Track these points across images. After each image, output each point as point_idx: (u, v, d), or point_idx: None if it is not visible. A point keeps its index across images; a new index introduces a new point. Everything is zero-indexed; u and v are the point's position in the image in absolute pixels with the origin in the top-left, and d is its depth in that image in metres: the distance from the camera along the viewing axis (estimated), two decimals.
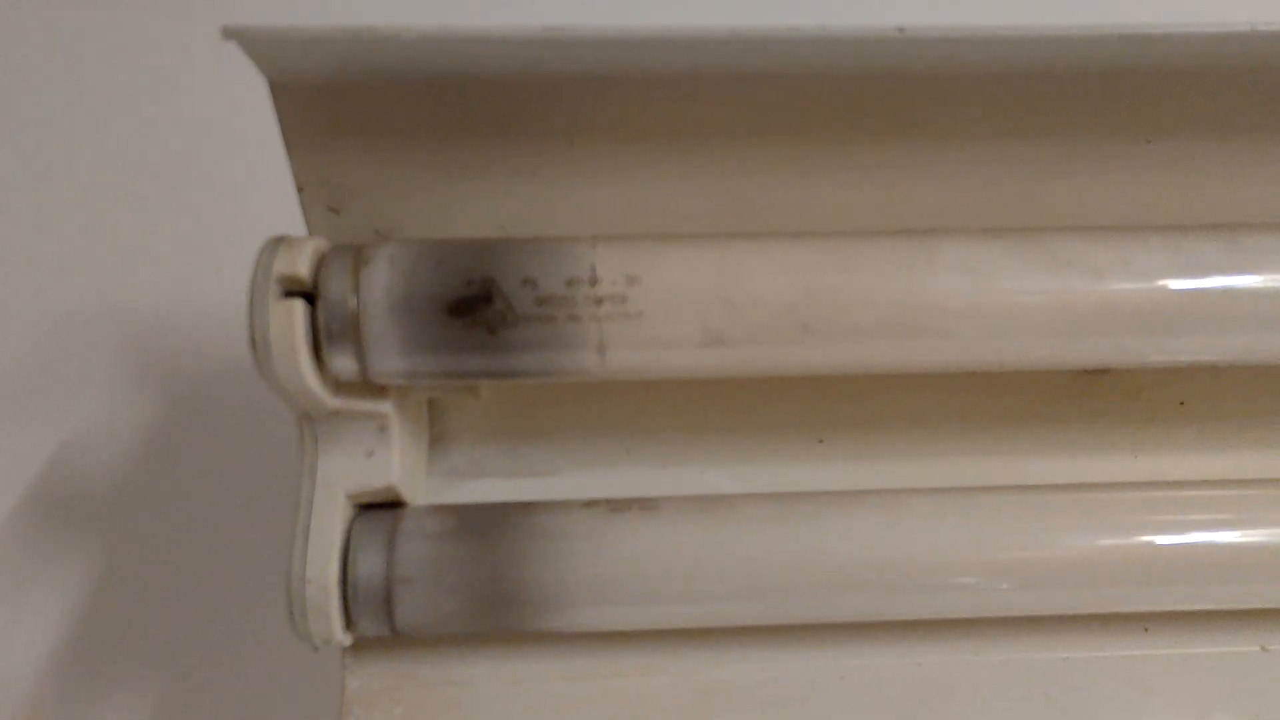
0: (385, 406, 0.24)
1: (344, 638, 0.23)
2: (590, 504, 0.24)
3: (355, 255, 0.22)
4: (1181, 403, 0.28)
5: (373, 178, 0.24)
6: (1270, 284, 0.22)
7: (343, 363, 0.22)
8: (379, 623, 0.23)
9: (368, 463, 0.24)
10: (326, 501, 0.24)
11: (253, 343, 0.21)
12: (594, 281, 0.22)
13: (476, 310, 0.22)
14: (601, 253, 0.22)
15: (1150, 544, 0.24)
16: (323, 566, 0.23)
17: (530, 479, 0.28)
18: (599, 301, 0.22)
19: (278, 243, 0.22)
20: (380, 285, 0.22)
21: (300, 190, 0.24)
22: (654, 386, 0.27)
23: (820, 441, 0.28)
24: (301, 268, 0.22)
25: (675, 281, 0.22)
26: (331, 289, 0.22)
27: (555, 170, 0.24)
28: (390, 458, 0.24)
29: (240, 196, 0.35)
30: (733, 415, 0.28)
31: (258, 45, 0.20)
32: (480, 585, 0.23)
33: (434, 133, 0.24)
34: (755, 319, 0.22)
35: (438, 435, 0.28)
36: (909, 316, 0.22)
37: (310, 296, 0.22)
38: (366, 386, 0.24)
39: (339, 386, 0.24)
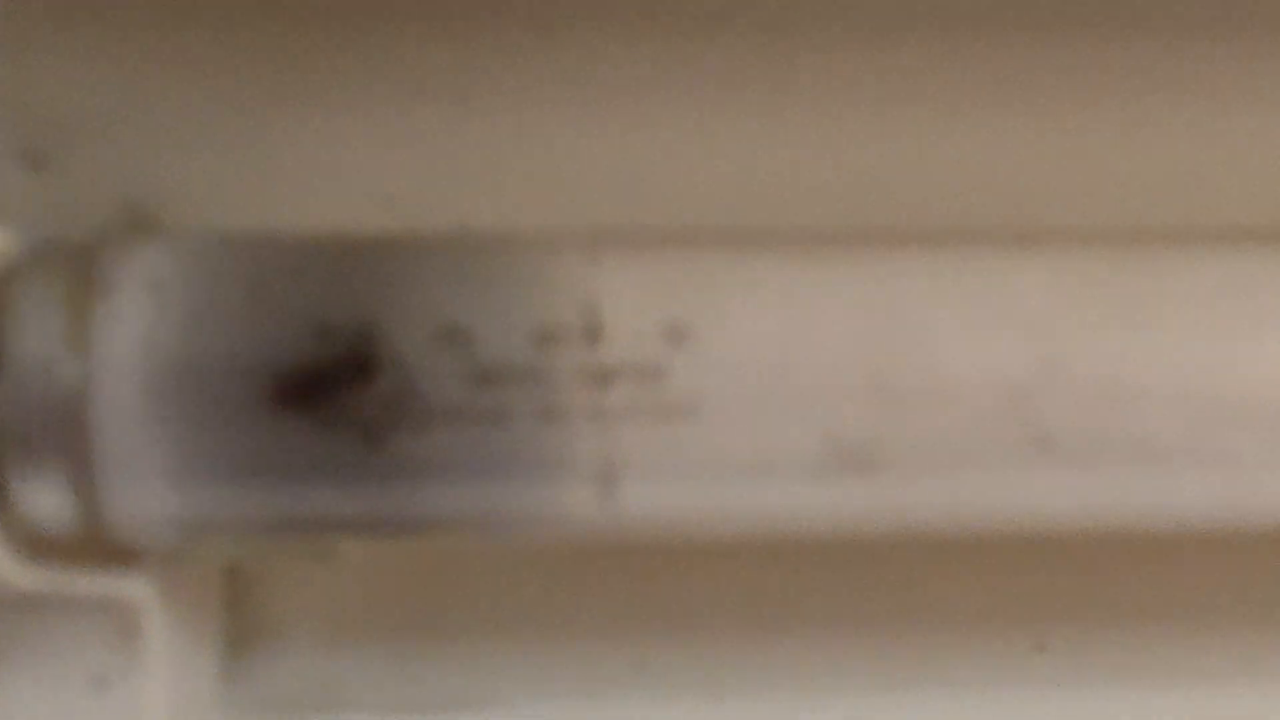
0: (134, 587, 0.24)
1: None
2: None
3: (79, 270, 0.22)
4: None
5: (116, 97, 0.25)
6: None
7: (48, 498, 0.22)
8: None
9: (94, 705, 0.24)
10: None
11: None
12: (595, 335, 0.21)
13: (339, 392, 0.21)
14: (611, 274, 0.22)
15: None
16: None
17: None
18: (605, 379, 0.21)
19: None
20: (133, 336, 0.21)
21: None
22: (699, 549, 0.27)
23: (1041, 650, 0.28)
24: None
25: (765, 339, 0.22)
26: (28, 345, 0.21)
27: (508, 88, 0.25)
28: (142, 691, 0.24)
29: None
30: (869, 602, 0.28)
31: None
32: None
33: (246, 4, 0.25)
34: (936, 420, 0.22)
35: (244, 634, 0.28)
36: (1252, 420, 0.22)
37: None
38: (96, 545, 0.23)
39: (39, 546, 0.23)
